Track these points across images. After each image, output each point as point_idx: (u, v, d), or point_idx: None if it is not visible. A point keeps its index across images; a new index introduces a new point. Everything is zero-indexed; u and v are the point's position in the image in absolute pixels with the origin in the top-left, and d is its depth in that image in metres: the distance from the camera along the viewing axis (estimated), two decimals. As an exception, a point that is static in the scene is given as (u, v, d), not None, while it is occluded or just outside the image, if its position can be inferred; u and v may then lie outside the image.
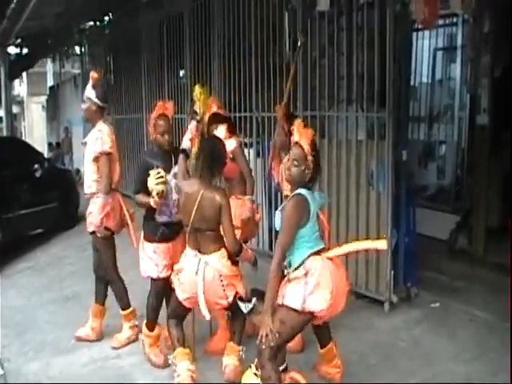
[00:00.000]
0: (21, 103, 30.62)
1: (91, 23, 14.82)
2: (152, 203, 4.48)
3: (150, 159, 4.69)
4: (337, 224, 5.89)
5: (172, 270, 4.44)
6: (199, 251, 4.02)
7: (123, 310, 5.13)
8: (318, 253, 3.58)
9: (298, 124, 3.71)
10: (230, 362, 4.22)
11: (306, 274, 3.49)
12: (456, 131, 7.79)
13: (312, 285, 3.46)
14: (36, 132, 26.43)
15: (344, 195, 5.80)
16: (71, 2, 9.74)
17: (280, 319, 3.47)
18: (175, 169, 4.54)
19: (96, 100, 4.98)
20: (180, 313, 4.24)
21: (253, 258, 4.25)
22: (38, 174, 9.42)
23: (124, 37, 11.97)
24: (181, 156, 4.44)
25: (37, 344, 5.29)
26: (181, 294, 4.10)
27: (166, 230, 4.64)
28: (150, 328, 4.73)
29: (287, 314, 3.49)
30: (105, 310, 5.29)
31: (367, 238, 5.51)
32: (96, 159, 4.91)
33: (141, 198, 4.62)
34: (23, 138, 24.55)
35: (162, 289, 4.68)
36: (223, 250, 4.01)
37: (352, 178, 5.69)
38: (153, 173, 4.45)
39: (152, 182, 4.43)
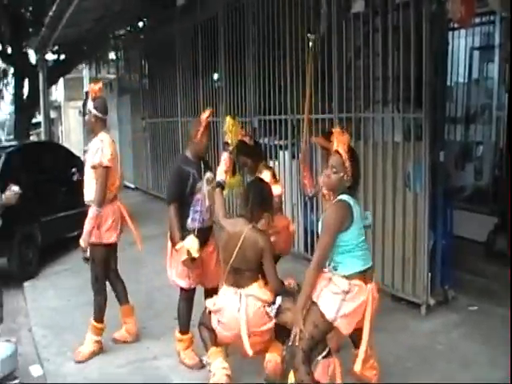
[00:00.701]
0: (58, 108, 31.17)
1: (126, 29, 15.03)
2: (181, 259, 4.50)
3: (185, 166, 4.72)
4: (373, 226, 5.83)
5: (201, 277, 4.65)
6: (237, 287, 4.08)
7: (96, 321, 5.15)
8: (365, 272, 3.59)
9: (336, 132, 3.72)
10: (272, 358, 4.22)
11: (347, 292, 3.50)
12: (494, 131, 7.67)
13: (348, 309, 3.51)
14: (73, 136, 26.81)
15: (380, 197, 5.77)
16: (107, 9, 9.85)
17: (313, 322, 3.52)
18: (207, 175, 4.62)
19: (95, 112, 5.07)
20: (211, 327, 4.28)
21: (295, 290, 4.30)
22: (75, 178, 9.53)
23: (159, 42, 12.11)
24: (217, 190, 4.49)
25: (75, 344, 5.35)
26: (223, 332, 4.14)
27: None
28: (183, 333, 4.79)
29: (320, 318, 3.54)
30: (133, 308, 5.39)
31: (404, 240, 5.51)
32: (94, 168, 4.97)
33: (175, 226, 4.59)
34: (61, 142, 24.94)
35: (191, 297, 4.78)
36: (260, 280, 4.09)
37: (388, 180, 5.66)
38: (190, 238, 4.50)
39: (190, 244, 4.47)
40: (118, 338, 5.35)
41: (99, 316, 5.17)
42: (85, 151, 5.28)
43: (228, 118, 4.84)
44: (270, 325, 4.10)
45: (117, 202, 5.21)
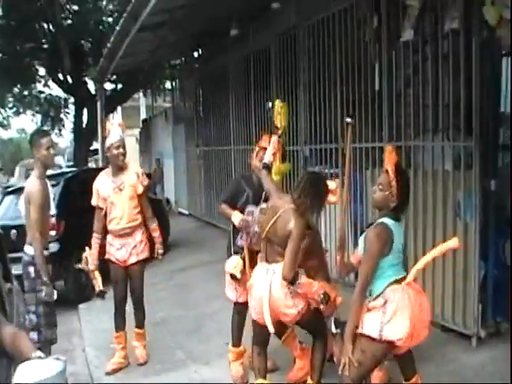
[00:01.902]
0: (115, 136, 31.93)
1: (182, 59, 15.41)
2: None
3: (245, 183, 4.95)
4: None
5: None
6: (268, 262, 4.15)
7: (139, 328, 5.70)
8: (398, 281, 3.56)
9: (387, 150, 3.75)
10: None
11: (384, 303, 3.49)
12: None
13: (390, 313, 3.46)
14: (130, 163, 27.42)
15: (431, 226, 5.70)
16: (162, 40, 10.16)
17: (360, 348, 3.49)
18: (263, 205, 4.61)
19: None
20: (261, 337, 4.31)
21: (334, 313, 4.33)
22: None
23: (212, 71, 12.38)
24: (264, 172, 4.56)
25: (126, 366, 5.49)
26: (253, 311, 4.21)
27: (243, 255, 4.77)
28: (234, 345, 4.95)
29: (366, 342, 3.49)
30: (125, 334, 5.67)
31: (454, 270, 5.43)
32: (139, 195, 5.53)
33: (226, 209, 4.88)
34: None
35: (242, 311, 4.86)
36: None
37: (439, 209, 5.59)
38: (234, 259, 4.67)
39: (233, 264, 4.67)
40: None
41: (143, 323, 5.73)
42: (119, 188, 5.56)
43: (277, 101, 4.88)
44: (294, 312, 4.08)
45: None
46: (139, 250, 5.54)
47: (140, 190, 5.52)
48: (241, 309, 4.90)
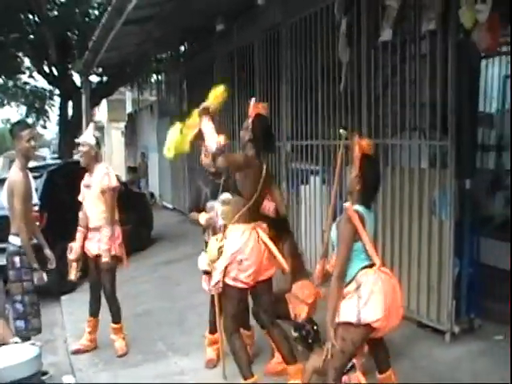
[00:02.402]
0: (101, 129, 31.87)
1: (168, 53, 15.41)
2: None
3: (202, 183, 5.28)
4: (400, 251, 5.90)
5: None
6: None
7: (115, 323, 5.81)
8: (370, 266, 3.64)
9: (355, 140, 3.84)
10: None
11: (358, 288, 3.55)
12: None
13: (365, 297, 3.52)
14: (115, 156, 27.40)
15: (407, 223, 5.81)
16: (148, 35, 10.19)
17: (340, 337, 3.54)
18: (223, 196, 4.72)
19: (95, 146, 5.84)
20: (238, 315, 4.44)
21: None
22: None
23: (198, 66, 12.40)
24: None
25: (107, 357, 5.58)
26: (243, 274, 4.26)
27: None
28: (210, 332, 5.29)
29: (345, 330, 3.55)
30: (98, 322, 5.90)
31: (429, 267, 5.55)
32: (103, 193, 5.64)
33: (193, 215, 5.18)
34: (103, 161, 25.41)
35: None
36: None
37: (415, 206, 5.69)
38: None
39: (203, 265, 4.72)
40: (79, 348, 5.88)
41: (117, 318, 5.86)
42: (85, 186, 5.86)
43: (220, 86, 4.54)
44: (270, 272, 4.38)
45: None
46: (105, 245, 5.68)
47: (102, 190, 5.68)
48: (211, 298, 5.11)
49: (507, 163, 8.15)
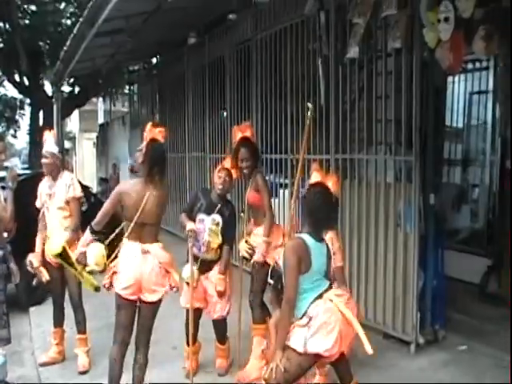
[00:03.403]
0: (73, 139, 31.63)
1: (140, 65, 15.40)
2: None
3: (201, 194, 5.26)
4: (366, 263, 6.02)
5: (203, 302, 5.03)
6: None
7: (80, 333, 5.75)
8: (320, 295, 3.64)
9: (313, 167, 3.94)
10: None
11: (309, 321, 3.57)
12: (488, 175, 7.82)
13: (313, 328, 3.53)
14: (87, 167, 27.21)
15: (373, 235, 5.92)
16: (119, 47, 10.20)
17: (286, 357, 3.57)
18: (214, 216, 5.02)
19: (59, 154, 5.77)
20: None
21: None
22: (84, 208, 9.70)
23: (170, 78, 12.45)
24: None
25: (74, 368, 5.56)
26: (121, 284, 4.35)
27: (197, 264, 5.03)
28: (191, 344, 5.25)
29: (292, 353, 3.58)
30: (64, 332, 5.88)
31: (395, 279, 5.65)
32: (67, 203, 5.59)
33: (184, 219, 5.13)
34: (74, 172, 25.26)
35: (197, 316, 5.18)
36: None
37: (380, 219, 5.81)
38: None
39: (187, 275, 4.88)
40: (46, 361, 5.78)
41: (84, 328, 5.79)
42: (48, 195, 5.74)
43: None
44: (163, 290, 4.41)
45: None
46: None
47: (67, 200, 5.64)
48: (196, 314, 5.17)
49: (472, 178, 8.34)
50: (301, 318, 3.61)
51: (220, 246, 5.08)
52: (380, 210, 5.82)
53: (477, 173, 8.21)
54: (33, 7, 16.42)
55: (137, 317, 4.53)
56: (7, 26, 15.89)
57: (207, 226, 5.02)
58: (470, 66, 8.25)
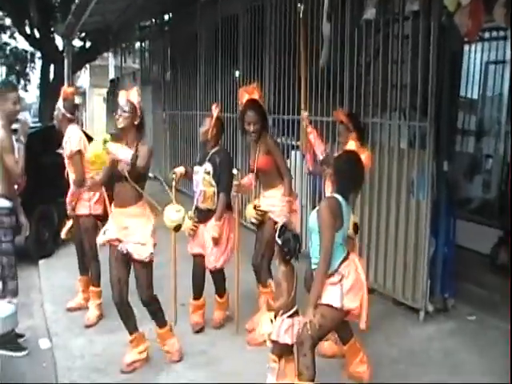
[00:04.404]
0: (83, 94, 31.47)
1: (152, 21, 15.19)
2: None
3: (201, 148, 5.62)
4: (377, 229, 5.99)
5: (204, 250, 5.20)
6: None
7: (95, 286, 5.83)
8: (347, 256, 3.86)
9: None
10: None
11: (341, 279, 3.77)
12: (502, 145, 7.73)
13: (347, 287, 3.76)
14: (97, 122, 27.09)
15: (385, 202, 5.89)
16: (132, 1, 10.05)
17: (321, 314, 3.74)
18: (206, 165, 5.15)
19: (64, 111, 5.72)
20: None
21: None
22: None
23: (182, 35, 12.27)
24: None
25: (83, 322, 5.61)
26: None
27: (196, 213, 5.25)
28: (194, 298, 5.45)
29: (327, 310, 3.76)
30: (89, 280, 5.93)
31: (406, 245, 5.64)
32: (70, 157, 5.65)
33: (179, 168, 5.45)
34: (85, 127, 25.17)
35: (198, 263, 5.37)
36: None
37: (393, 185, 5.76)
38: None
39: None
40: (73, 306, 5.97)
41: (97, 281, 5.82)
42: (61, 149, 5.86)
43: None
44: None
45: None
46: (69, 205, 5.82)
47: (67, 155, 5.73)
48: (197, 261, 5.33)
49: (486, 148, 8.24)
50: (331, 275, 3.78)
51: (218, 195, 5.15)
52: (392, 177, 5.76)
53: (491, 143, 8.12)
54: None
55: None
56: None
57: (201, 176, 5.14)
58: (486, 34, 8.08)
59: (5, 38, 19.23)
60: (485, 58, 8.33)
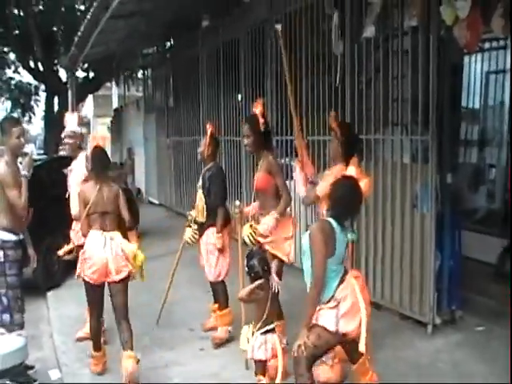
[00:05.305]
0: (87, 124, 31.73)
1: (154, 48, 15.37)
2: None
3: None
4: (383, 244, 5.99)
5: None
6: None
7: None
8: (342, 280, 3.79)
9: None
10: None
11: (337, 305, 3.72)
12: (504, 155, 7.74)
13: (343, 311, 3.71)
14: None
15: (389, 217, 5.89)
16: (133, 30, 10.18)
17: (318, 334, 3.71)
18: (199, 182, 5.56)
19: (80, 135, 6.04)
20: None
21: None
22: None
23: (184, 62, 12.40)
24: None
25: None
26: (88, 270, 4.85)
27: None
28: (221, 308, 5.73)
29: (322, 331, 3.73)
30: None
31: (412, 259, 5.63)
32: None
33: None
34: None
35: None
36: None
37: (397, 200, 5.77)
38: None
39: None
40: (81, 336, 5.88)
41: None
42: (69, 171, 6.05)
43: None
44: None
45: None
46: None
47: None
48: None
49: (489, 157, 8.25)
50: (328, 301, 3.75)
51: (213, 209, 5.37)
52: (396, 191, 5.78)
53: (493, 153, 8.13)
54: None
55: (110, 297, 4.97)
56: (21, 12, 15.91)
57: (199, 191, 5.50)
58: (486, 45, 8.14)
59: (9, 72, 19.48)
60: (485, 68, 8.37)
